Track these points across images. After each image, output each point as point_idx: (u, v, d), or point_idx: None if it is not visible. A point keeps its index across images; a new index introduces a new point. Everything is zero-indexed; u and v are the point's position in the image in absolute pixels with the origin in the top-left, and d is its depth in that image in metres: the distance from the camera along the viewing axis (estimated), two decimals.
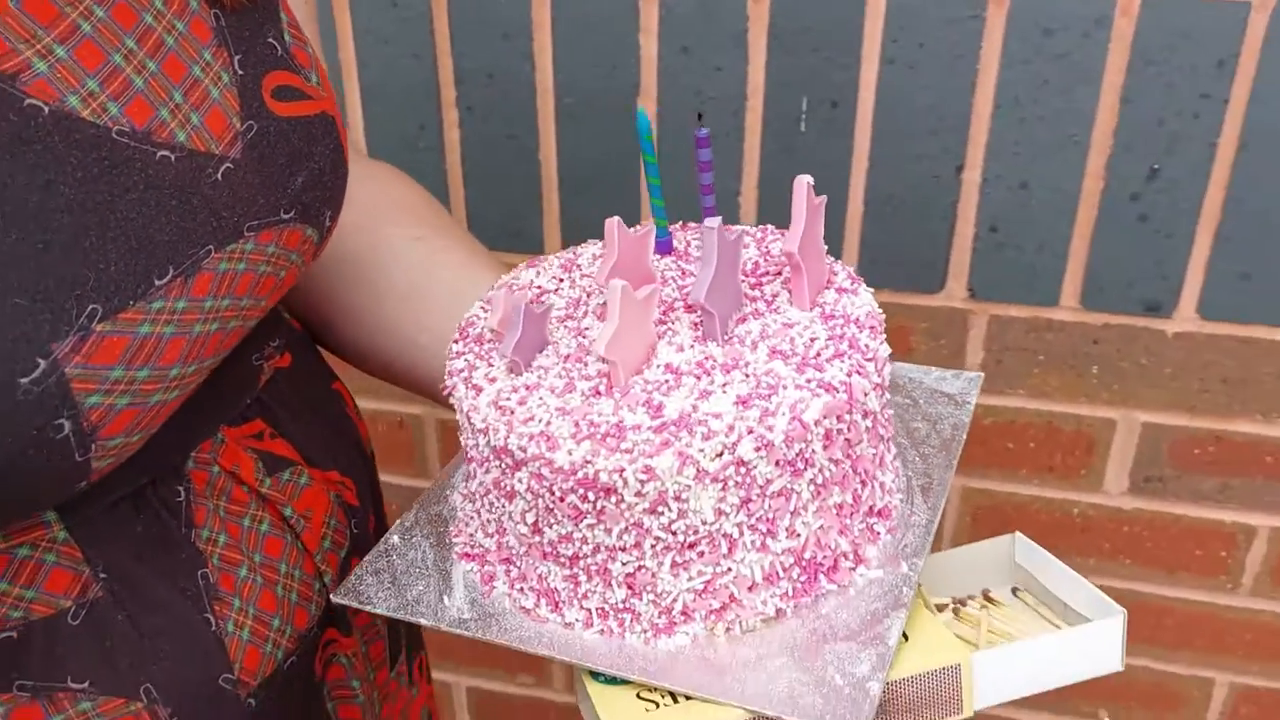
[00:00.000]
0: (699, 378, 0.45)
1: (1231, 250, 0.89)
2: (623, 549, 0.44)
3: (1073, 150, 0.88)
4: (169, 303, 0.43)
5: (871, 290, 0.51)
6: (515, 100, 0.96)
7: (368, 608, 0.49)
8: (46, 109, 0.41)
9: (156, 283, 0.42)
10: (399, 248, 0.63)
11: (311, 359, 0.63)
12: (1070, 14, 0.83)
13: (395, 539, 0.53)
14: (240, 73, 0.48)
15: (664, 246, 0.55)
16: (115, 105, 0.43)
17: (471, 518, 0.51)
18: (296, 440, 0.57)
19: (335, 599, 0.49)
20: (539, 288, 0.53)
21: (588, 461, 0.42)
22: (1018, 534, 0.55)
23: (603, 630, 0.47)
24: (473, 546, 0.51)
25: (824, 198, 0.50)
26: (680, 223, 0.58)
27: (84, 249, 0.40)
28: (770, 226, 0.56)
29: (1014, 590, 0.55)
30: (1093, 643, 0.48)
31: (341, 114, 0.56)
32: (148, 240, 0.42)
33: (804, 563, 0.46)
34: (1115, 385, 0.97)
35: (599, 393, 0.45)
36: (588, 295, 0.52)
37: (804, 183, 0.48)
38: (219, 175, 0.46)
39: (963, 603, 0.53)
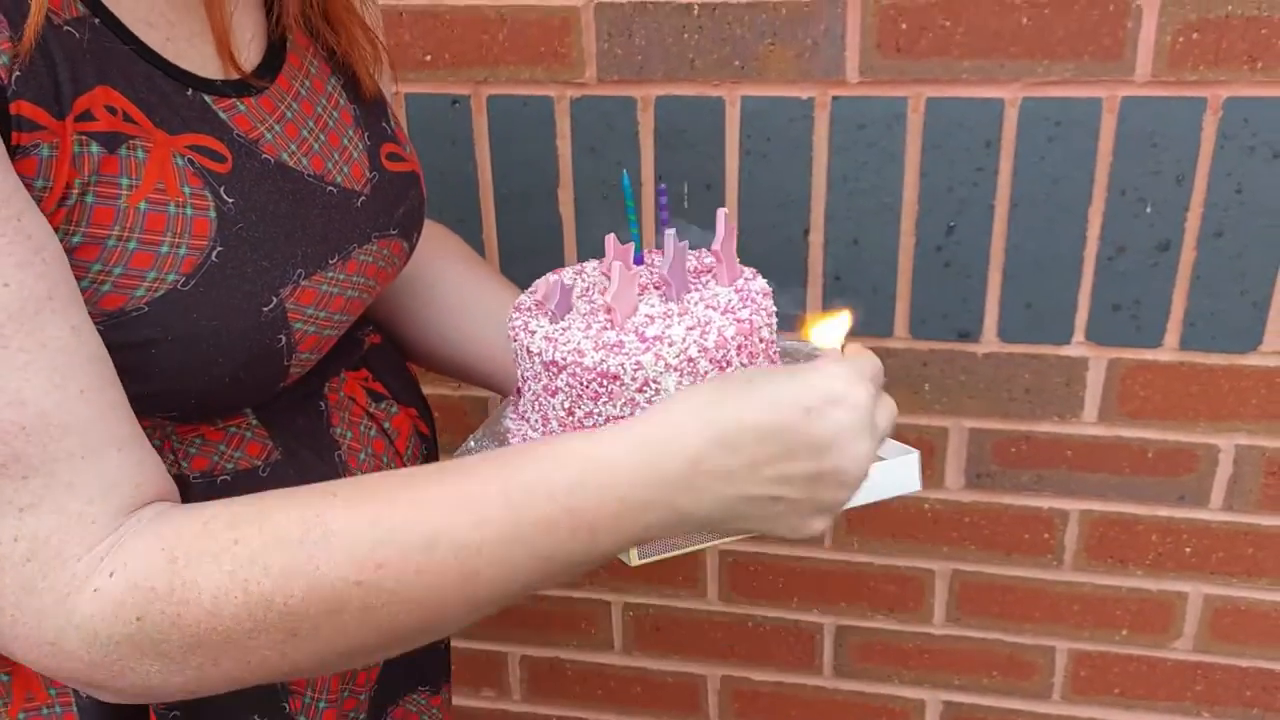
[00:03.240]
0: (665, 319, 0.72)
1: (1016, 286, 1.15)
2: (623, 418, 0.68)
3: (889, 214, 1.15)
4: (336, 274, 0.71)
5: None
6: (461, 193, 1.23)
7: None
8: (272, 160, 0.69)
9: (330, 261, 0.71)
10: (453, 274, 0.93)
11: (393, 345, 0.91)
12: (875, 112, 1.11)
13: (471, 443, 0.78)
14: (369, 144, 0.78)
15: (638, 260, 0.80)
16: (305, 160, 0.71)
17: (521, 425, 0.76)
18: (388, 385, 0.84)
19: None
20: (563, 282, 0.79)
21: (603, 361, 0.68)
22: None
23: None
24: (525, 441, 0.75)
25: (734, 224, 0.76)
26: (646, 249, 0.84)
27: (296, 238, 0.68)
28: (702, 249, 0.82)
29: None
30: (900, 470, 0.74)
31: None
32: (325, 237, 0.71)
33: None
34: (944, 399, 1.22)
35: (607, 327, 0.71)
36: (593, 286, 0.79)
37: (722, 212, 0.75)
38: (359, 204, 0.75)
39: None
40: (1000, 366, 1.19)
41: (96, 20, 0.63)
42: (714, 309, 0.72)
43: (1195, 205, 1.08)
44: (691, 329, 0.69)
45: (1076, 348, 1.16)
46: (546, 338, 0.71)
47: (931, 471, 1.25)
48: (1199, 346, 1.14)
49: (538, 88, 1.16)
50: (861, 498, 0.74)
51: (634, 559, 0.68)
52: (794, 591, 1.36)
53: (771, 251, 1.19)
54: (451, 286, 0.92)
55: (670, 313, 0.72)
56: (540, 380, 0.72)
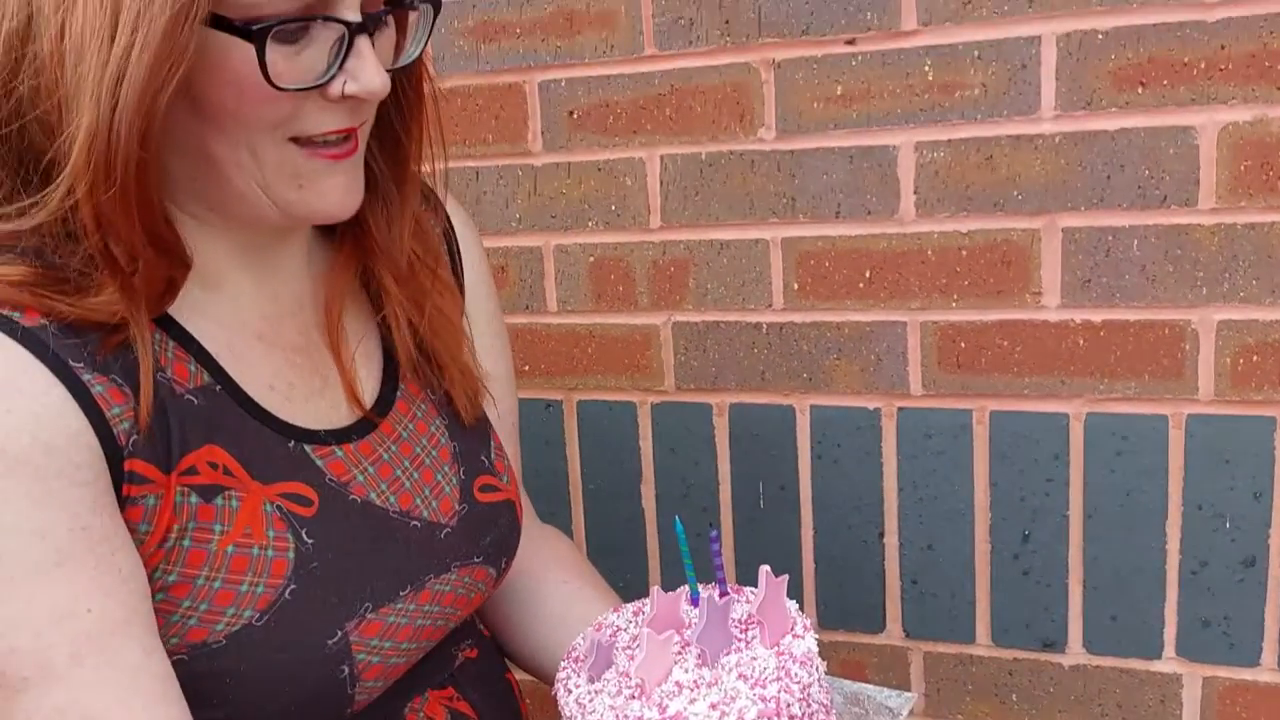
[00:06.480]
0: (693, 689, 0.73)
1: (1099, 597, 1.13)
2: None
3: (961, 521, 1.15)
4: (406, 605, 0.76)
5: (816, 636, 0.77)
6: (554, 490, 1.30)
7: None
8: (359, 500, 0.77)
9: (401, 594, 0.76)
10: (551, 588, 0.96)
11: (494, 657, 0.94)
12: (942, 423, 1.14)
13: None
14: (463, 478, 0.84)
15: (695, 601, 0.82)
16: (393, 497, 0.79)
17: None
18: (475, 705, 0.86)
19: None
20: (616, 625, 0.82)
21: None
22: None
23: None
24: None
25: (785, 576, 0.78)
26: (704, 584, 0.87)
27: (368, 574, 0.74)
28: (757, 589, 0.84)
29: None
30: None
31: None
32: (398, 569, 0.76)
33: None
34: (1033, 711, 1.17)
35: (634, 697, 0.73)
36: (641, 637, 0.80)
37: (764, 570, 0.76)
38: (442, 536, 0.81)
39: None
40: (1089, 680, 1.15)
41: (218, 387, 0.74)
42: (746, 678, 0.72)
43: (1277, 522, 1.05)
44: (714, 706, 0.70)
45: (1168, 663, 1.11)
46: (578, 702, 0.73)
47: None
48: None
49: (622, 394, 1.25)
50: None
51: None
52: None
53: (847, 553, 1.20)
54: (553, 597, 0.95)
55: (701, 681, 0.73)
56: None
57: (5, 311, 0.65)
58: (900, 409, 1.15)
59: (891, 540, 1.19)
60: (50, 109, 0.65)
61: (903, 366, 1.14)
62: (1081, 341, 1.07)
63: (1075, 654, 1.15)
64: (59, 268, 0.68)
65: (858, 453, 1.18)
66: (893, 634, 1.21)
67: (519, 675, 0.95)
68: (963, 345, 1.11)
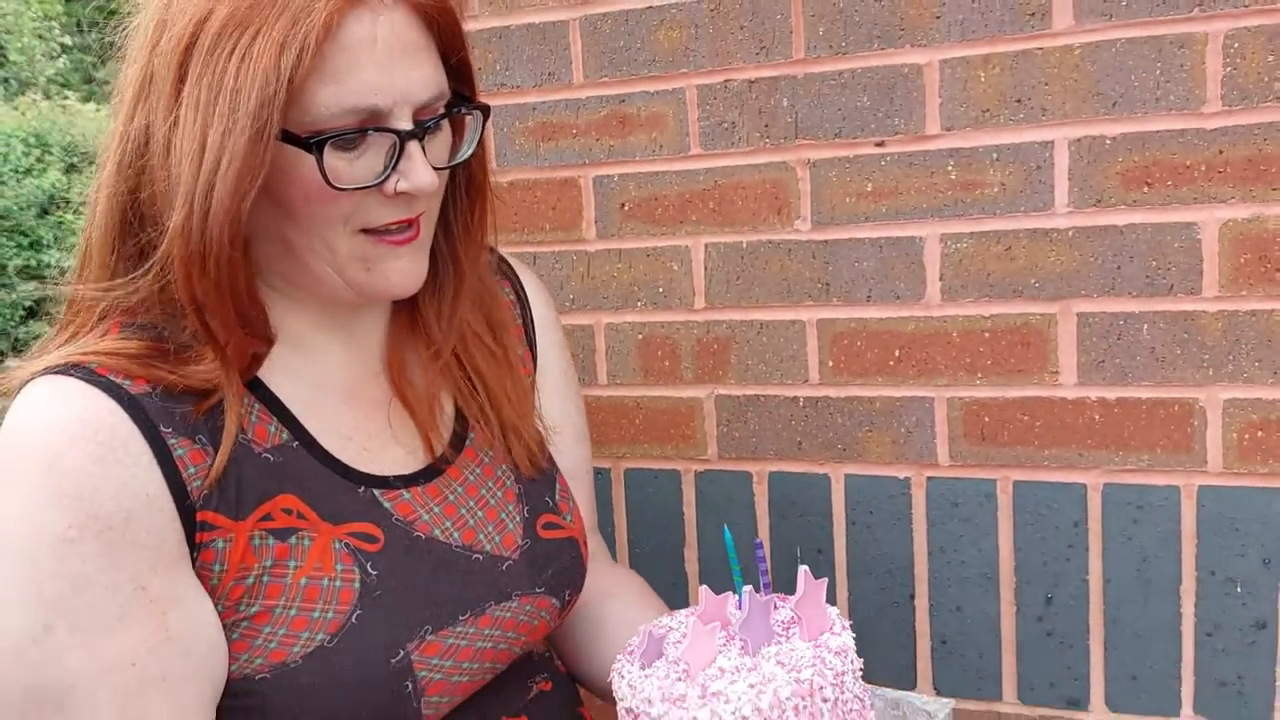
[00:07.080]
0: (734, 673, 0.79)
1: (1119, 657, 1.19)
2: None
3: (987, 585, 1.23)
4: (465, 628, 0.85)
5: (854, 635, 0.83)
6: None
7: None
8: (423, 537, 0.86)
9: (460, 618, 0.84)
10: (619, 611, 1.04)
11: (568, 691, 1.01)
12: (968, 492, 1.22)
13: None
14: (527, 516, 0.93)
15: (741, 604, 0.88)
16: (457, 534, 0.88)
17: None
18: None
19: None
20: (668, 626, 0.89)
21: (666, 714, 0.77)
22: None
23: None
24: None
25: (824, 579, 0.84)
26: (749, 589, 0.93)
27: (427, 599, 0.83)
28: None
29: None
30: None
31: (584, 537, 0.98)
32: (458, 597, 0.85)
33: None
34: None
35: (680, 679, 0.80)
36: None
37: (803, 570, 0.84)
38: (503, 568, 0.89)
39: None
40: None
41: (296, 443, 0.84)
42: (783, 665, 0.79)
43: None
44: (752, 686, 0.77)
45: None
46: (630, 685, 0.81)
47: None
48: None
49: (667, 463, 1.34)
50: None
51: None
52: None
53: (879, 614, 1.28)
54: (619, 617, 1.03)
55: (742, 666, 0.79)
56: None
57: (119, 380, 0.76)
58: (929, 478, 1.23)
59: (922, 602, 1.26)
60: (158, 211, 0.78)
61: (931, 439, 1.22)
62: (1097, 417, 1.15)
63: (1098, 712, 1.21)
64: (168, 340, 0.80)
65: (889, 519, 1.26)
66: (923, 692, 1.28)
67: (593, 712, 1.03)
68: (986, 419, 1.19)
